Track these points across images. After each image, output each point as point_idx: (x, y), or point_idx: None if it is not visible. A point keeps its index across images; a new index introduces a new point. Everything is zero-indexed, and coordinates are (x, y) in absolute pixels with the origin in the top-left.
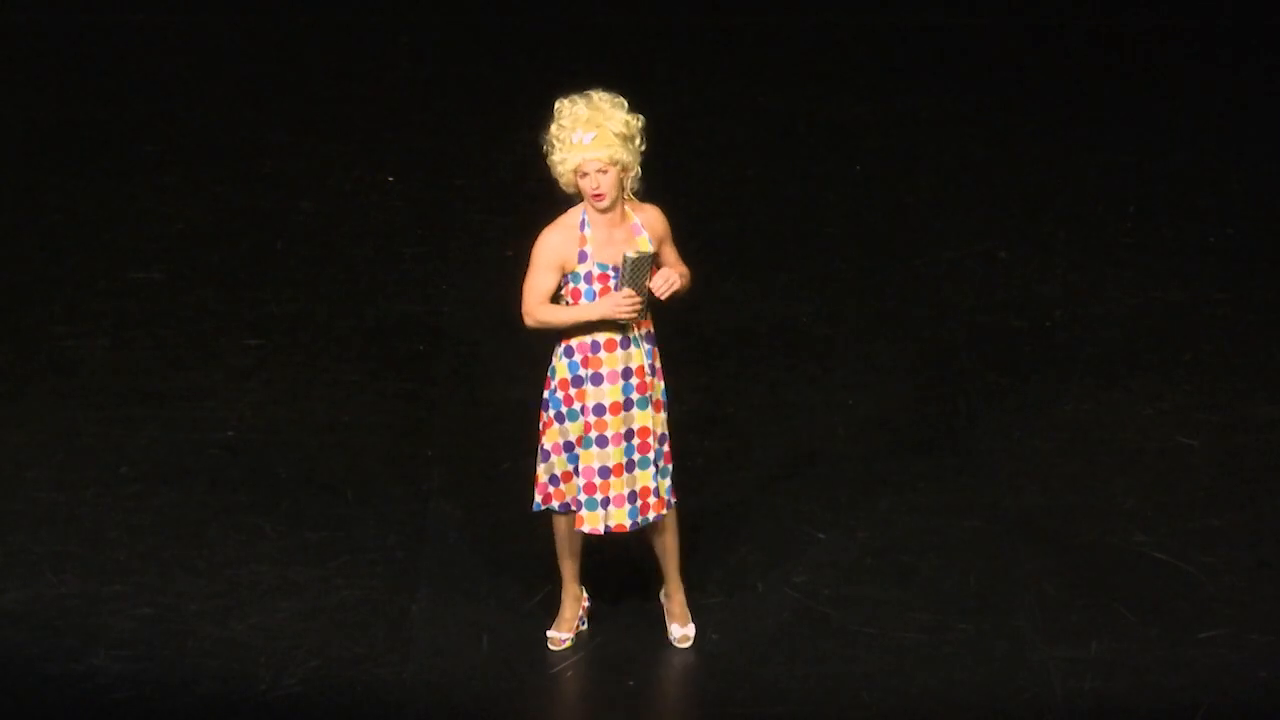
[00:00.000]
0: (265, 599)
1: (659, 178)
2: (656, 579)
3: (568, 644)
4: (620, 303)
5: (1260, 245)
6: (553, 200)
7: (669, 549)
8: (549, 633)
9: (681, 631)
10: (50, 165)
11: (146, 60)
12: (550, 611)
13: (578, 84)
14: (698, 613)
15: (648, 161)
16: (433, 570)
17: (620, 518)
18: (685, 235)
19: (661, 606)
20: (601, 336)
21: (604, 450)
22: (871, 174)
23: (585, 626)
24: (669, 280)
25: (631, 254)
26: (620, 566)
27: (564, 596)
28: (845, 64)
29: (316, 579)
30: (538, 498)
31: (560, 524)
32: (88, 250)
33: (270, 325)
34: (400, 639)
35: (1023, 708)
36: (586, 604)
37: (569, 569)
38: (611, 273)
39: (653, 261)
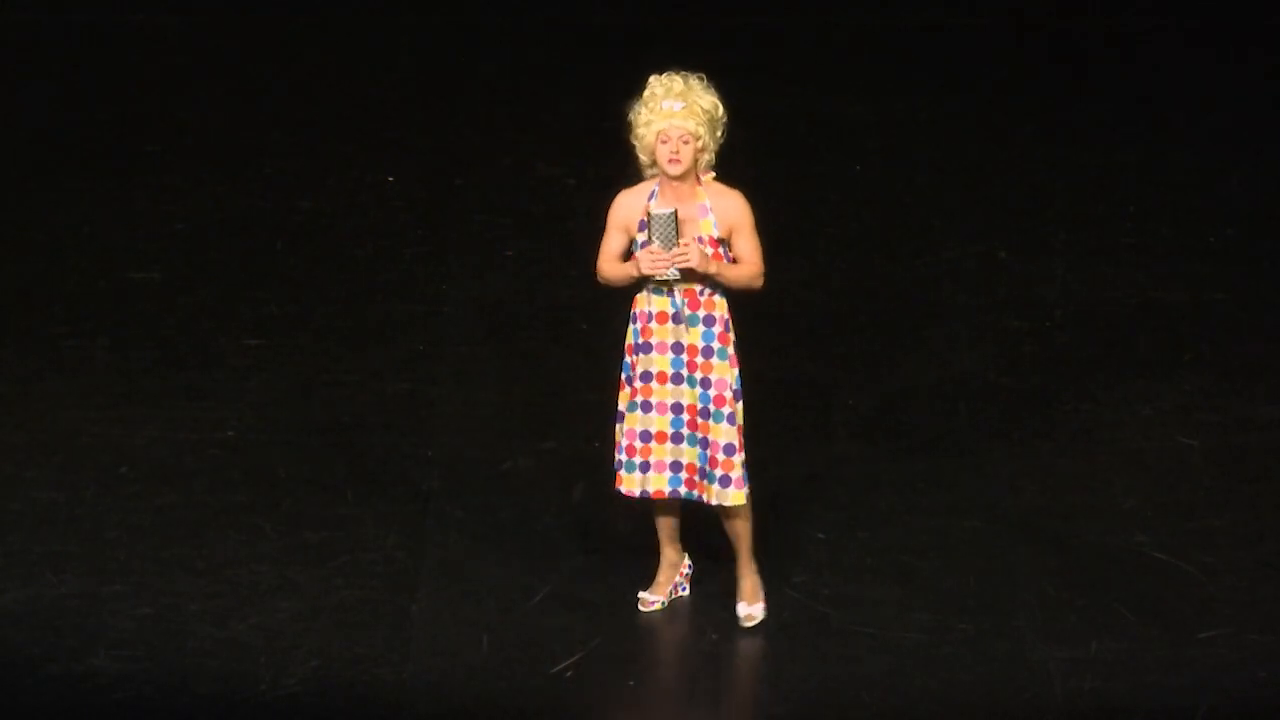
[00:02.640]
0: (265, 599)
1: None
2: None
3: (658, 607)
4: (644, 257)
5: (1260, 245)
6: (549, 200)
7: (740, 533)
8: (640, 594)
9: (748, 610)
10: (50, 165)
11: (146, 60)
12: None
13: (577, 84)
14: (698, 612)
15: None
16: (433, 570)
17: (660, 484)
18: None
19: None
20: (654, 308)
21: (648, 415)
22: (871, 174)
23: (686, 592)
24: (683, 252)
25: (656, 210)
26: (618, 568)
27: (662, 561)
28: (845, 64)
29: (316, 579)
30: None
31: None
32: (88, 250)
33: (270, 325)
34: (400, 639)
35: (1023, 708)
36: (687, 569)
37: (664, 535)
38: (664, 211)
39: (673, 220)
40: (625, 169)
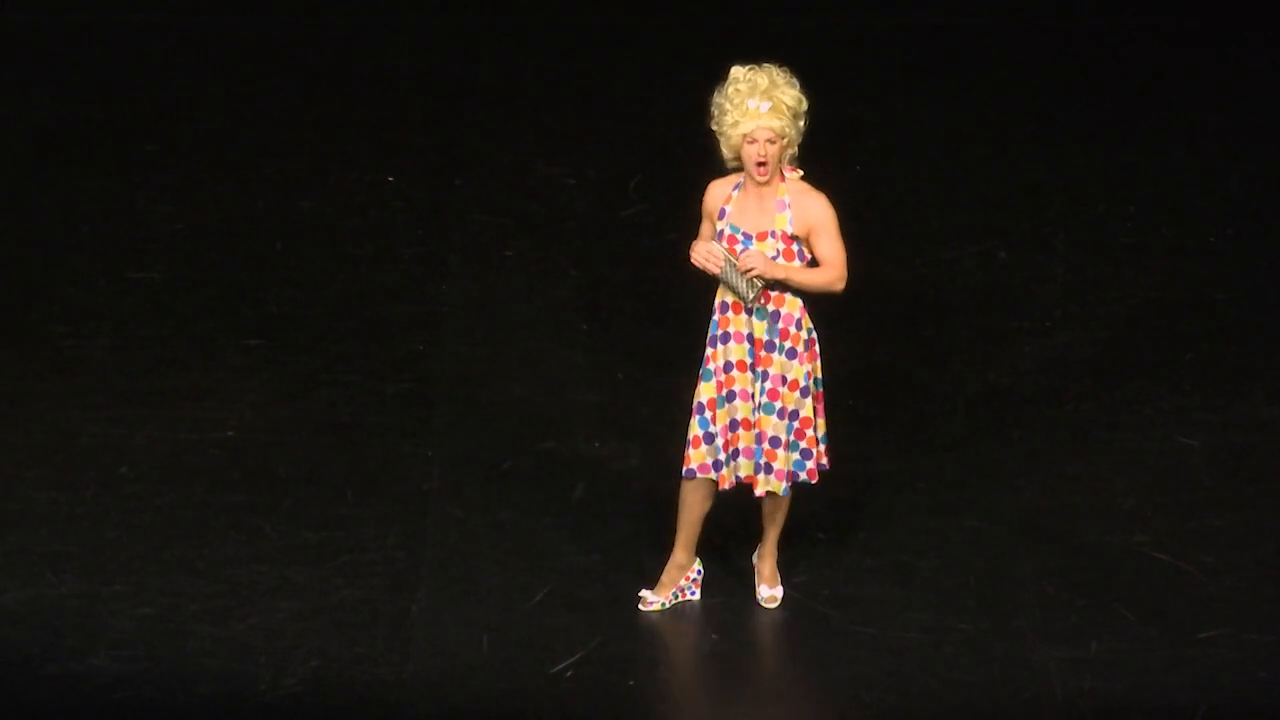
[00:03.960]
0: (265, 599)
1: (661, 178)
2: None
3: (657, 607)
4: (699, 250)
5: (1260, 245)
6: (549, 200)
7: (776, 520)
8: (641, 592)
9: (770, 593)
10: (50, 165)
11: (146, 60)
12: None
13: (577, 84)
14: (698, 613)
15: (668, 154)
16: (433, 570)
17: (748, 469)
18: (688, 235)
19: (754, 567)
20: (729, 298)
21: (733, 404)
22: (871, 174)
23: (696, 596)
24: (748, 257)
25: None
26: (618, 568)
27: (670, 562)
28: (845, 64)
29: (316, 579)
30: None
31: (683, 489)
32: (88, 250)
33: (270, 325)
34: (400, 639)
35: (1023, 708)
36: (696, 574)
37: (681, 536)
38: (741, 238)
39: (745, 242)
40: (716, 150)
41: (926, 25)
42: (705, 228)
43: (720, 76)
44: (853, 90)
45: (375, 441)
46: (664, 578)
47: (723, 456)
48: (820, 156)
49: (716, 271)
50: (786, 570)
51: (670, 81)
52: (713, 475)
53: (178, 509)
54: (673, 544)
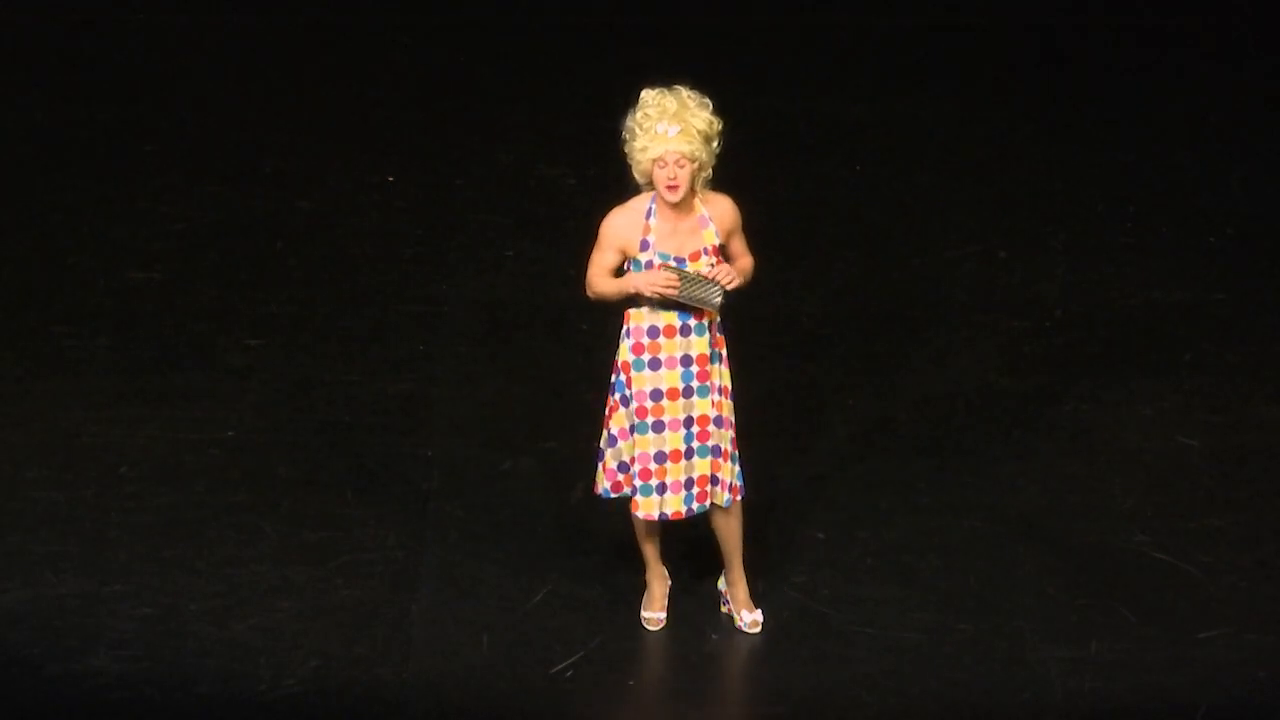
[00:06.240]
0: (265, 599)
1: None
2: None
3: (662, 623)
4: (655, 280)
5: (1260, 245)
6: (549, 200)
7: (734, 537)
8: (644, 614)
9: (752, 617)
10: (50, 165)
11: (146, 60)
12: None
13: (577, 84)
14: (698, 612)
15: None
16: (433, 570)
17: (676, 505)
18: None
19: (721, 594)
20: (660, 322)
21: (660, 436)
22: (871, 174)
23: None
24: (727, 273)
25: (671, 268)
26: (618, 568)
27: (650, 578)
28: (845, 64)
29: (316, 579)
30: (606, 483)
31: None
32: (88, 250)
33: (270, 325)
34: (400, 639)
35: (1023, 708)
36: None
37: (650, 551)
38: (674, 263)
39: (684, 266)
40: (627, 172)
41: (926, 25)
42: (608, 258)
43: (718, 76)
44: (853, 90)
45: (375, 441)
46: (655, 592)
47: (639, 483)
48: (820, 156)
49: (674, 294)
50: (786, 570)
51: (670, 82)
52: (604, 489)
53: (178, 509)
54: (643, 562)
